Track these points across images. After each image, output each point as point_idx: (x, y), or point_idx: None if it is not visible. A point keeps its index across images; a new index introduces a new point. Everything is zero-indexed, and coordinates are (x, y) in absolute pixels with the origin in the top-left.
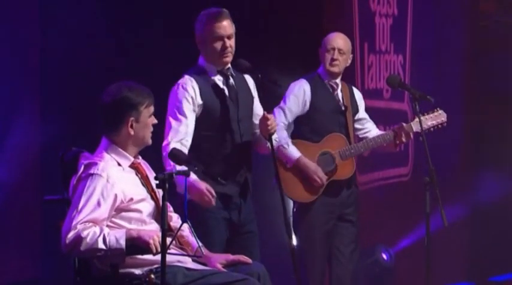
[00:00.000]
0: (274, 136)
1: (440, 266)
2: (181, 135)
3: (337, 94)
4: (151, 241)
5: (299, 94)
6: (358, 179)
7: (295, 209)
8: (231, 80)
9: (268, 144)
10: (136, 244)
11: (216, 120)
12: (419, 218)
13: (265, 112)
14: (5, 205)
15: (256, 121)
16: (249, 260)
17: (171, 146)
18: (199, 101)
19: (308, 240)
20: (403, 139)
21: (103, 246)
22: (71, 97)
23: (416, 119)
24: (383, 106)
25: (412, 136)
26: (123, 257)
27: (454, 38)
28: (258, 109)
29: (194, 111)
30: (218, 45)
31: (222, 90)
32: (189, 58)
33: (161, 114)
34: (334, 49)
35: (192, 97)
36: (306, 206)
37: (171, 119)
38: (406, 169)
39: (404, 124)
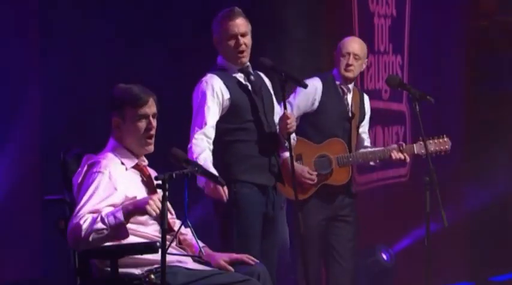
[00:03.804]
0: (292, 136)
1: (440, 266)
2: (206, 128)
3: (346, 98)
4: (147, 207)
5: (310, 92)
6: (357, 180)
7: (283, 205)
8: (252, 77)
9: (286, 143)
10: (135, 214)
11: (245, 113)
12: (419, 218)
13: (286, 111)
14: (5, 205)
15: (276, 118)
16: (251, 261)
17: (196, 138)
18: (227, 95)
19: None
20: (402, 157)
21: (102, 226)
22: (71, 97)
23: (420, 143)
24: (382, 107)
25: (408, 158)
26: (126, 231)
27: (454, 38)
28: (276, 106)
29: (219, 104)
30: (232, 43)
31: (246, 85)
32: (194, 59)
33: (163, 116)
34: (349, 54)
35: (216, 92)
36: (299, 205)
37: (195, 113)
38: (405, 170)
39: (405, 145)
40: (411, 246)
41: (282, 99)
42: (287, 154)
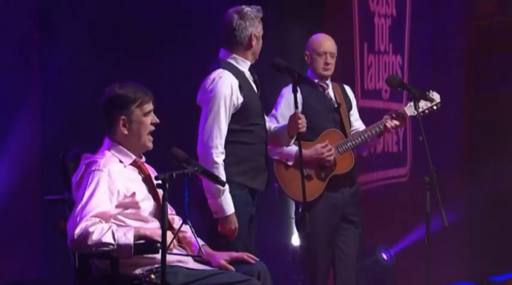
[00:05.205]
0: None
1: (440, 266)
2: (221, 138)
3: (328, 93)
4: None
5: (290, 98)
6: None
7: (300, 210)
8: (256, 77)
9: (292, 142)
10: (147, 241)
11: (251, 115)
12: (419, 218)
13: (297, 111)
14: (5, 205)
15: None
16: (252, 260)
17: (214, 150)
18: (241, 99)
19: (311, 240)
20: (398, 124)
21: (111, 241)
22: (71, 97)
23: (410, 103)
24: (382, 107)
25: (407, 120)
26: (130, 253)
27: (454, 38)
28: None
29: (233, 107)
30: (261, 41)
31: (252, 85)
32: (195, 59)
33: (163, 116)
34: (326, 53)
35: (232, 95)
36: (309, 206)
37: (209, 118)
38: (405, 170)
39: (397, 110)
40: (411, 246)
41: (294, 100)
42: (295, 148)
